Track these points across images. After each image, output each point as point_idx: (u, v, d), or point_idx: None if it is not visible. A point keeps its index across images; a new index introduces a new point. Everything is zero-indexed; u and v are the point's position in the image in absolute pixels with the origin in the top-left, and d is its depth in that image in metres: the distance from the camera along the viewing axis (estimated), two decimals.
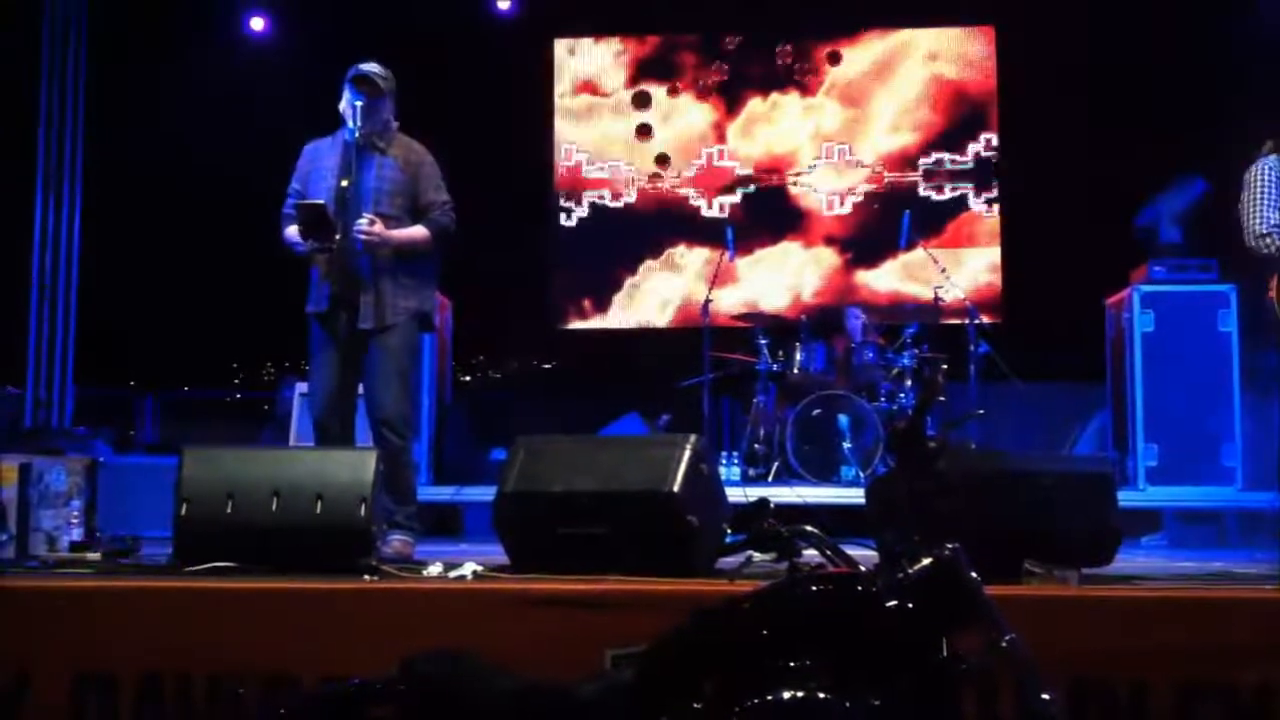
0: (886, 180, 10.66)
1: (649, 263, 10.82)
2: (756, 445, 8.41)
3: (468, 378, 11.46)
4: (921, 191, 10.57)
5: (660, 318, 10.79)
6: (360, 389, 5.28)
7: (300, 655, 3.62)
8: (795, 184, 10.75)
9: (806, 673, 2.25)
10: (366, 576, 4.06)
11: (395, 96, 5.33)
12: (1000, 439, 8.57)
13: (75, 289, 9.39)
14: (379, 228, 5.07)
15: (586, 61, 11.09)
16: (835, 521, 6.35)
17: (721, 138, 10.86)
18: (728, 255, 8.92)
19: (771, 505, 2.57)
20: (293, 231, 5.20)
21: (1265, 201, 4.70)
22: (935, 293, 8.63)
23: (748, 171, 10.81)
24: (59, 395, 9.25)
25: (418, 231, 5.24)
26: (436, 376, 8.24)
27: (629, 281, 10.83)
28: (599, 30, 11.01)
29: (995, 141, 10.58)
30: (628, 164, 10.90)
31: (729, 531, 4.53)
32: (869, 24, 10.76)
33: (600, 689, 2.44)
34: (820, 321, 8.94)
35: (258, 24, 10.36)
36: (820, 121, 10.77)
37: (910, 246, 9.33)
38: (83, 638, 3.70)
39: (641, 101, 10.95)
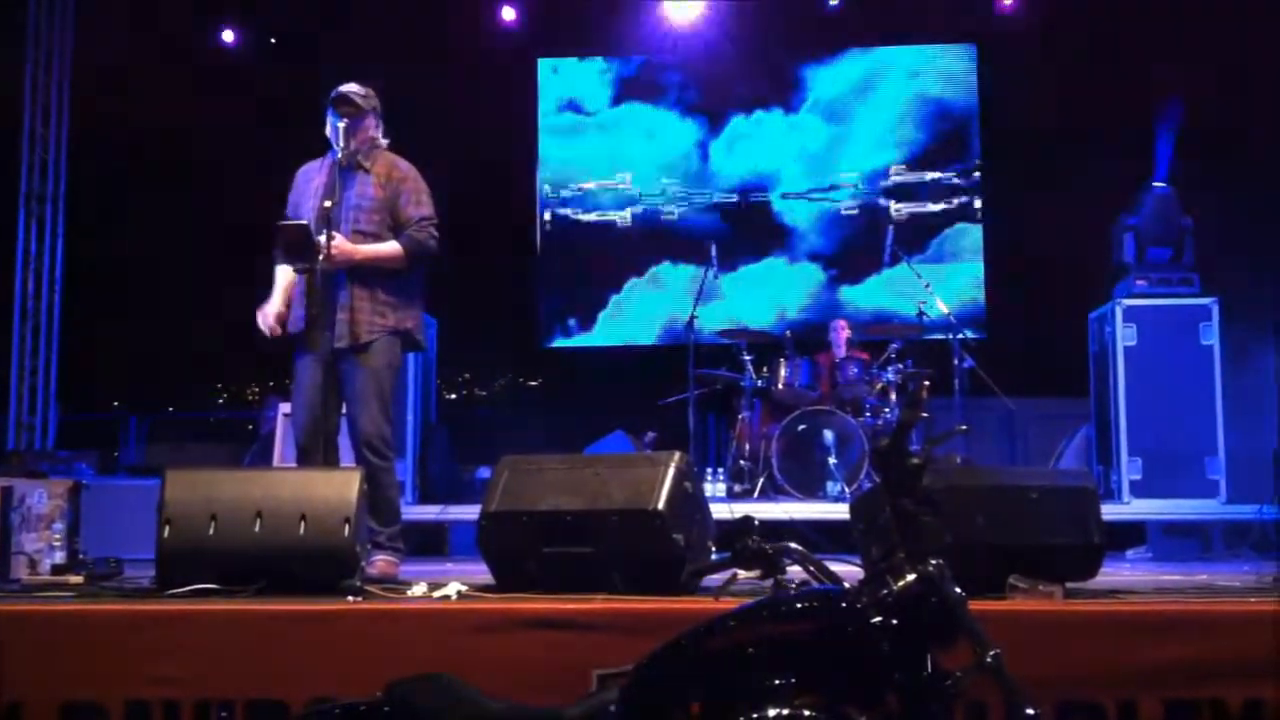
0: (870, 197, 10.69)
1: (633, 280, 10.83)
2: (742, 461, 8.41)
3: (452, 396, 11.45)
4: (905, 208, 10.61)
5: (645, 335, 10.79)
6: (343, 409, 5.26)
7: (285, 677, 3.59)
8: (779, 201, 10.78)
9: (792, 690, 2.24)
10: (351, 597, 4.02)
11: (379, 114, 5.32)
12: (984, 454, 8.59)
13: (58, 311, 9.35)
14: (340, 241, 5.04)
15: (570, 81, 11.11)
16: (820, 538, 6.37)
17: (705, 155, 10.88)
18: (712, 272, 8.93)
19: (756, 522, 2.57)
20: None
21: None
22: (919, 308, 8.65)
23: (731, 188, 10.84)
24: (42, 418, 9.21)
25: (389, 247, 5.17)
26: (421, 395, 8.23)
27: (614, 299, 10.84)
28: (582, 50, 11.04)
29: (978, 157, 10.63)
30: (612, 182, 10.92)
31: (714, 549, 4.53)
32: (851, 42, 10.81)
33: (585, 711, 2.42)
34: (805, 337, 8.95)
35: (228, 36, 10.38)
36: (804, 139, 10.81)
37: (894, 263, 9.35)
38: (65, 662, 3.66)
39: (625, 120, 10.97)
